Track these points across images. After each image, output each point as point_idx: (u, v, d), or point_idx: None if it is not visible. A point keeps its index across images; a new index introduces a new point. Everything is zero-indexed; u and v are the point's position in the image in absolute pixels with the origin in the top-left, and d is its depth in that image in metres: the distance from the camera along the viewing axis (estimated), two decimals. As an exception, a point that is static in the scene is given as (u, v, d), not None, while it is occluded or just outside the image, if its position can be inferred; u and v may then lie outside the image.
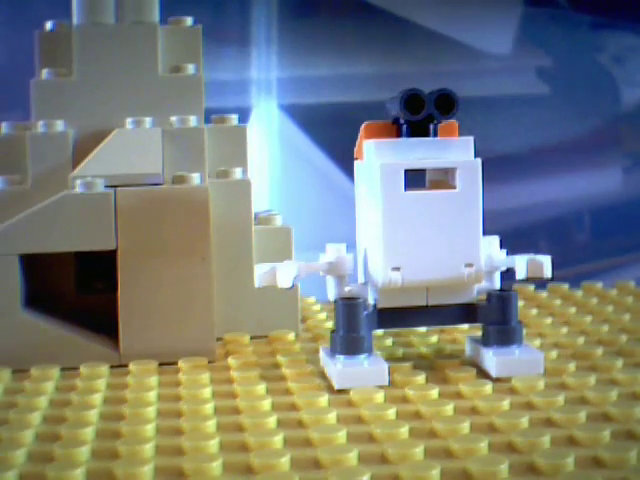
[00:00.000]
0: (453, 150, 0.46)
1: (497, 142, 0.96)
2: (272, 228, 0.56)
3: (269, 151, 0.92)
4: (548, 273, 0.46)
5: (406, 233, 0.45)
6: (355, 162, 0.49)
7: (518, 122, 0.97)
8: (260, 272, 0.46)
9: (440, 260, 0.45)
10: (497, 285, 0.48)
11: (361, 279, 0.48)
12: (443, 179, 0.47)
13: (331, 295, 0.47)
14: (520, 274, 0.46)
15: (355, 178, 0.49)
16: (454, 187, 0.46)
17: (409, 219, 0.45)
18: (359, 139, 0.48)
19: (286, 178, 0.92)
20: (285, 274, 0.46)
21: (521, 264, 0.46)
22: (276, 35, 0.92)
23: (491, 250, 0.47)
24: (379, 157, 0.46)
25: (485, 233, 0.46)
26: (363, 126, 0.47)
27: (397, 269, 0.45)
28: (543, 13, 0.98)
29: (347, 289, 0.47)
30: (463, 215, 0.46)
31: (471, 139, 0.47)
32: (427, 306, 0.46)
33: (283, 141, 0.92)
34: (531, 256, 0.46)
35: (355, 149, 0.48)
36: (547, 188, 0.97)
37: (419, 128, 0.46)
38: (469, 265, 0.46)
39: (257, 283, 0.46)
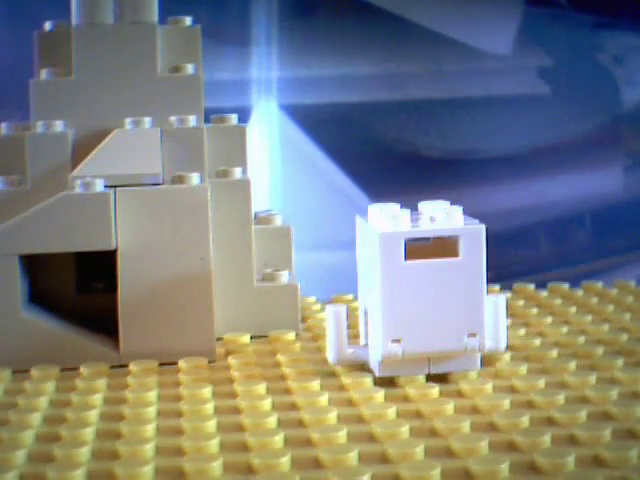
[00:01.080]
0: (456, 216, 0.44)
1: (497, 142, 0.96)
2: (272, 228, 0.56)
3: (269, 151, 0.92)
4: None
5: (406, 304, 0.43)
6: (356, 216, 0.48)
7: (518, 122, 0.96)
8: None
9: (442, 330, 0.44)
10: (503, 345, 0.46)
11: (363, 340, 0.47)
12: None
13: (331, 357, 0.46)
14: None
15: (356, 232, 0.48)
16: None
17: (409, 290, 0.43)
18: None
19: (286, 178, 0.92)
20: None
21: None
22: (276, 35, 0.92)
23: (496, 314, 0.45)
24: (378, 224, 0.44)
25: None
26: None
27: (397, 341, 0.44)
28: (543, 13, 0.98)
29: (350, 351, 0.46)
30: (466, 283, 0.44)
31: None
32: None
33: (283, 141, 0.92)
34: None
35: None
36: (547, 188, 0.97)
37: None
38: (472, 335, 0.44)
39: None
